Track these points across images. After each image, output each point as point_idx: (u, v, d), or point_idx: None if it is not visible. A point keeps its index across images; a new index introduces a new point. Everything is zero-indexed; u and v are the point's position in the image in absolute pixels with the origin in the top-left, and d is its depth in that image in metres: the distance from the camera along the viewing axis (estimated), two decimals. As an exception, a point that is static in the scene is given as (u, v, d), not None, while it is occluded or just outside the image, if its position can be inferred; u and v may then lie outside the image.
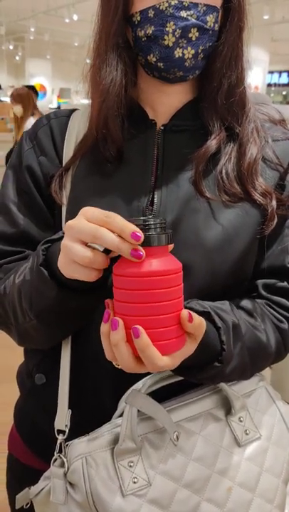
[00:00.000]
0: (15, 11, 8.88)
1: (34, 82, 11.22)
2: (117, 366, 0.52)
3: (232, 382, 0.69)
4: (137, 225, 0.47)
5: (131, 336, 0.48)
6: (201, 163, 0.65)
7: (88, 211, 0.50)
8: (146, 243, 0.47)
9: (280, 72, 14.22)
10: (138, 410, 0.59)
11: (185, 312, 0.49)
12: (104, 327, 0.50)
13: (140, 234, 0.46)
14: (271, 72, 13.43)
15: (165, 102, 0.68)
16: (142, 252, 0.47)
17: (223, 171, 0.65)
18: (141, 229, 0.47)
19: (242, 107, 0.68)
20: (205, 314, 0.59)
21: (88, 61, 0.68)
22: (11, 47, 11.93)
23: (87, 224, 0.48)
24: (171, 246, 0.51)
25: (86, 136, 0.69)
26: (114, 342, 0.48)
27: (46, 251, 0.58)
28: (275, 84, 14.22)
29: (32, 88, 5.97)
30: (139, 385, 0.61)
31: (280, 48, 10.45)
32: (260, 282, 0.69)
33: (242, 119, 0.68)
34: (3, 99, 9.79)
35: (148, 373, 0.62)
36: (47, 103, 11.75)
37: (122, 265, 0.49)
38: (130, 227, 0.47)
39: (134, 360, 0.49)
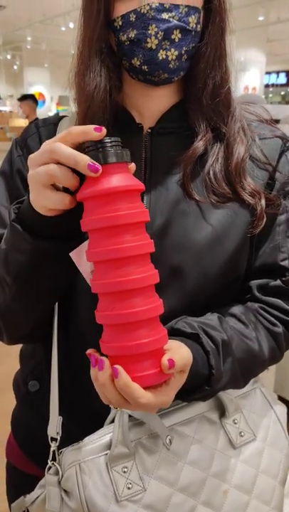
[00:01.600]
0: (11, 20, 8.95)
1: (33, 90, 11.30)
2: (115, 408, 0.54)
3: None
4: (90, 146, 0.49)
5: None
6: (188, 165, 0.65)
7: (45, 144, 0.52)
8: (106, 159, 0.48)
9: (278, 73, 14.24)
10: (130, 415, 0.59)
11: (164, 361, 0.50)
12: (93, 372, 0.51)
13: (99, 166, 0.48)
14: (269, 73, 13.44)
15: (151, 105, 0.68)
16: (99, 166, 0.48)
17: (211, 172, 0.66)
18: (95, 148, 0.49)
19: (227, 107, 0.68)
20: (193, 336, 0.60)
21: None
22: (9, 56, 12.02)
23: (42, 150, 0.50)
24: (133, 165, 0.53)
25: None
26: (101, 382, 0.50)
27: (17, 209, 0.59)
28: (272, 85, 14.24)
29: (32, 97, 6.02)
30: None
31: (276, 48, 10.46)
32: (254, 284, 0.69)
33: (228, 118, 0.68)
34: (2, 108, 9.85)
35: None
36: (46, 111, 11.81)
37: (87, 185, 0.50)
38: (84, 160, 0.48)
39: (123, 398, 0.50)
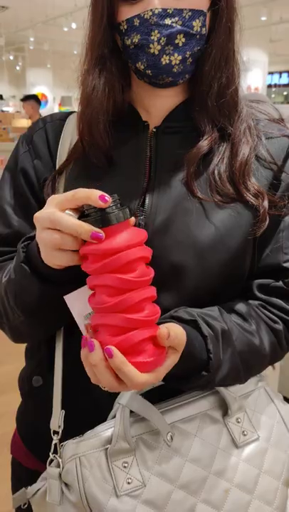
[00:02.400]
0: (14, 21, 8.97)
1: (35, 91, 11.31)
2: (104, 389, 0.53)
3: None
4: (89, 210, 0.50)
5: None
6: (192, 164, 0.65)
7: (53, 200, 0.53)
8: (107, 223, 0.49)
9: (280, 73, 14.22)
10: (131, 411, 0.59)
11: (164, 330, 0.51)
12: (83, 352, 0.52)
13: (101, 234, 0.49)
14: (271, 73, 13.43)
15: (158, 104, 0.68)
16: (102, 233, 0.49)
17: (216, 172, 0.65)
18: (95, 211, 0.50)
19: (233, 107, 0.68)
20: (192, 323, 0.59)
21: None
22: (11, 57, 12.05)
23: (46, 215, 0.52)
24: (132, 220, 0.53)
25: (76, 144, 0.69)
26: (93, 363, 0.50)
27: (26, 248, 0.60)
28: (275, 85, 14.22)
29: (35, 97, 6.03)
30: None
31: (279, 48, 10.45)
32: (254, 283, 0.69)
33: (234, 119, 0.68)
34: (5, 109, 9.88)
35: None
36: (48, 111, 11.80)
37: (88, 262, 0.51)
38: (86, 230, 0.50)
39: (116, 379, 0.51)
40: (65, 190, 0.68)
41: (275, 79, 14.24)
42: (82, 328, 0.59)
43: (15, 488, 0.81)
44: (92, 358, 0.50)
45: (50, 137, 0.72)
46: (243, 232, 0.65)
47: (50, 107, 12.49)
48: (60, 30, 8.55)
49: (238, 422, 0.67)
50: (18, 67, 12.96)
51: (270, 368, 0.78)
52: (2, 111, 9.29)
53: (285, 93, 14.89)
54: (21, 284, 0.60)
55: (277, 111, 0.76)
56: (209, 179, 0.65)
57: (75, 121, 0.72)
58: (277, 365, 0.76)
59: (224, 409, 0.67)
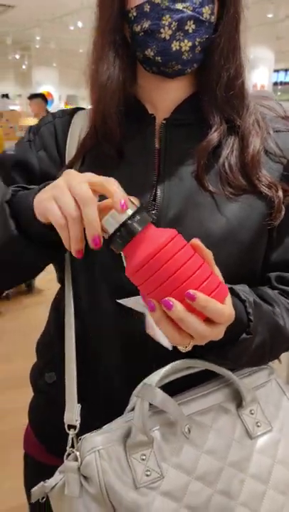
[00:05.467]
0: (21, 20, 9.00)
1: (41, 90, 11.31)
2: (184, 349, 0.52)
3: (243, 372, 0.70)
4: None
5: (189, 307, 0.48)
6: (203, 157, 0.65)
7: (88, 178, 0.51)
8: (131, 234, 0.48)
9: (286, 71, 14.14)
10: (150, 404, 0.60)
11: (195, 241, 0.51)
12: (155, 316, 0.49)
13: (99, 239, 0.49)
14: (277, 71, 13.35)
15: (165, 97, 0.69)
16: (100, 237, 0.49)
17: (226, 164, 0.66)
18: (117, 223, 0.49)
19: (242, 99, 0.68)
20: (229, 290, 0.60)
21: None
22: (18, 56, 12.08)
23: (85, 186, 0.50)
24: (150, 224, 0.51)
25: (88, 134, 0.70)
26: (179, 317, 0.47)
27: (15, 193, 0.59)
28: (281, 83, 14.14)
29: (41, 96, 6.04)
30: (151, 378, 0.62)
31: (285, 45, 10.40)
32: (273, 275, 0.70)
33: (242, 111, 0.68)
34: (11, 107, 9.91)
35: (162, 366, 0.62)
36: (55, 110, 11.79)
37: (127, 266, 0.50)
38: (95, 228, 0.49)
39: (205, 323, 0.49)
40: None
41: (281, 77, 14.16)
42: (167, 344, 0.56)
43: (29, 483, 0.82)
44: (176, 313, 0.47)
45: (58, 131, 0.72)
46: (255, 224, 0.65)
47: (56, 106, 12.48)
48: (67, 29, 8.57)
49: (252, 414, 0.68)
50: (24, 66, 12.98)
51: (276, 361, 0.79)
52: (10, 110, 9.32)
53: (291, 90, 14.79)
54: None
55: (282, 107, 0.76)
56: (220, 171, 0.66)
57: (83, 116, 0.72)
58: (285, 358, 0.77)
59: (238, 401, 0.68)
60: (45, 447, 0.77)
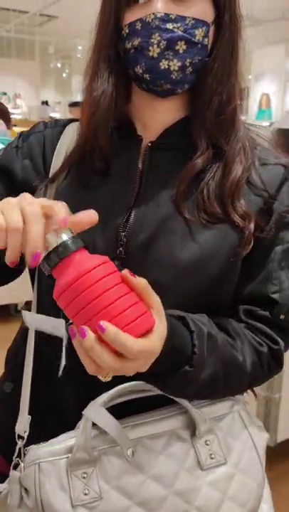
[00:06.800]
0: (63, 31, 9.26)
1: (79, 98, 11.55)
2: (104, 379, 0.52)
3: (203, 402, 0.68)
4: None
5: (101, 337, 0.47)
6: (184, 183, 0.65)
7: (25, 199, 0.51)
8: (63, 254, 0.49)
9: None
10: (93, 423, 0.59)
11: (125, 271, 0.49)
12: (76, 343, 0.49)
13: (38, 257, 0.48)
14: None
15: (156, 118, 0.69)
16: (38, 255, 0.48)
17: (205, 191, 0.65)
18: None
19: (231, 125, 0.68)
20: (180, 319, 0.59)
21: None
22: (59, 65, 12.41)
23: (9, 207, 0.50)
24: (83, 250, 0.51)
25: (75, 148, 0.70)
26: (88, 347, 0.47)
27: None
28: None
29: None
30: (101, 397, 0.62)
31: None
32: (241, 308, 0.68)
33: (230, 137, 0.68)
34: (52, 114, 10.15)
35: (114, 384, 0.61)
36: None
37: (54, 288, 0.50)
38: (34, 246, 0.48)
39: (115, 356, 0.48)
40: (56, 198, 0.68)
41: None
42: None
43: None
44: (87, 344, 0.47)
45: (47, 142, 0.73)
46: (227, 254, 0.64)
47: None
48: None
49: (207, 445, 0.67)
50: (64, 74, 13.31)
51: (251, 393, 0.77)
52: (50, 117, 9.54)
53: None
54: None
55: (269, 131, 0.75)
56: (198, 198, 0.65)
57: (75, 129, 0.73)
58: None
59: (193, 429, 0.67)
60: (5, 458, 0.77)
